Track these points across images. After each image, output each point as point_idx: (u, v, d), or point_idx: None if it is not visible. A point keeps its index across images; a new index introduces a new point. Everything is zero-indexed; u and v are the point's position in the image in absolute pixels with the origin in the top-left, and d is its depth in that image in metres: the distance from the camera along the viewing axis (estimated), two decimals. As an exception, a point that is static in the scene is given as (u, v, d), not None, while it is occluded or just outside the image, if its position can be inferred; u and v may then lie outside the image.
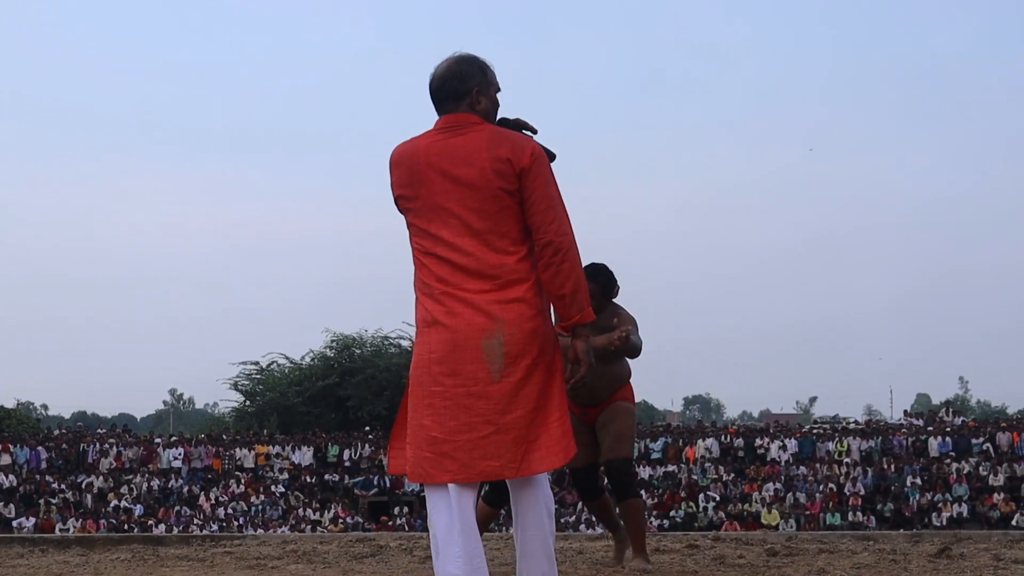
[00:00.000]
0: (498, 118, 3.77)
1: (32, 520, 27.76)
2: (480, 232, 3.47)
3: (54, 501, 29.18)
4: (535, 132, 3.83)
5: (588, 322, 3.55)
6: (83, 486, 30.04)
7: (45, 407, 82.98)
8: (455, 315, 3.47)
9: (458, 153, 3.51)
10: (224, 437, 34.85)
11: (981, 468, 29.45)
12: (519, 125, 3.83)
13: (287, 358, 43.77)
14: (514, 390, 3.43)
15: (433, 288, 3.53)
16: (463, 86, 3.61)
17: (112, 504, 29.40)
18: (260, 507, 29.96)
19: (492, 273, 3.46)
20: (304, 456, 32.19)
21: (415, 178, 3.55)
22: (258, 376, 43.65)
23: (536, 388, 3.45)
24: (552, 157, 3.74)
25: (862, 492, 29.40)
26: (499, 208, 3.48)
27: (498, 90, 3.71)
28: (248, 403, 43.91)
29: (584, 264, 3.71)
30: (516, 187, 3.48)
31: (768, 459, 31.03)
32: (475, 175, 3.48)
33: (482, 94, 3.63)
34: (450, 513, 3.45)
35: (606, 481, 6.11)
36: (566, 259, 3.47)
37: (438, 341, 3.49)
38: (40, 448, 31.46)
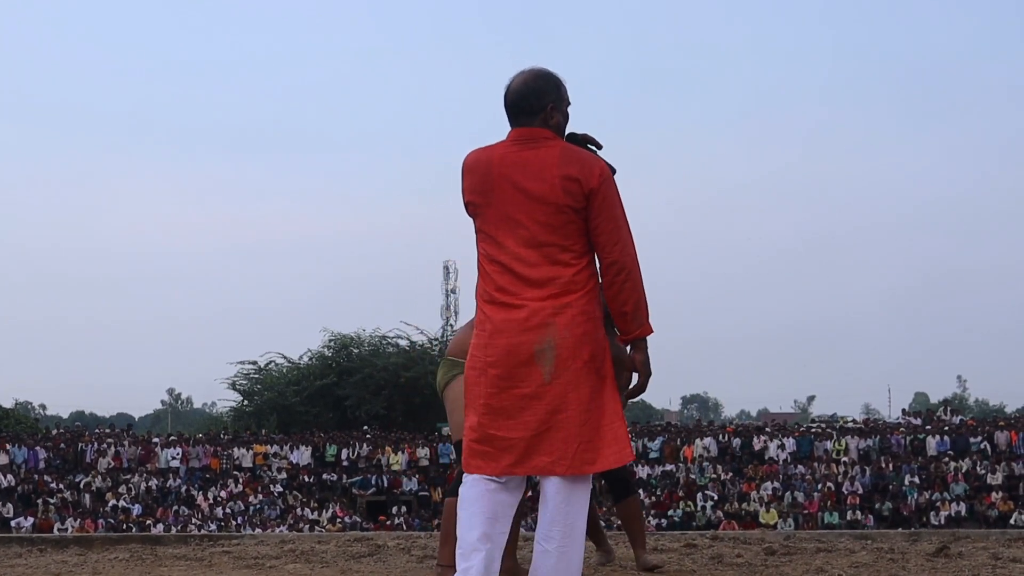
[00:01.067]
0: (569, 132, 3.92)
1: (30, 520, 27.75)
2: (543, 244, 3.64)
3: (52, 501, 29.16)
4: (600, 147, 3.99)
5: (647, 335, 3.72)
6: (81, 486, 30.03)
7: (43, 407, 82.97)
8: (510, 319, 3.65)
9: (530, 167, 3.66)
10: (222, 437, 34.85)
11: (979, 467, 29.47)
12: (586, 140, 4.00)
13: (285, 358, 43.81)
14: (565, 391, 3.59)
15: (494, 296, 3.70)
16: (540, 102, 3.75)
17: (110, 504, 29.39)
18: (258, 506, 29.96)
19: (549, 284, 3.63)
20: (302, 455, 32.18)
21: (487, 186, 3.72)
22: (256, 376, 43.65)
23: (588, 390, 3.61)
24: (613, 172, 3.87)
25: (860, 491, 29.42)
26: (563, 223, 3.63)
27: (569, 105, 3.85)
28: (246, 403, 43.91)
29: None
30: (583, 205, 3.62)
31: (766, 458, 31.05)
32: (545, 190, 3.63)
33: (556, 110, 3.77)
34: (490, 503, 3.63)
35: (602, 481, 6.11)
36: (628, 279, 3.65)
37: (496, 346, 3.66)
38: (38, 448, 31.43)
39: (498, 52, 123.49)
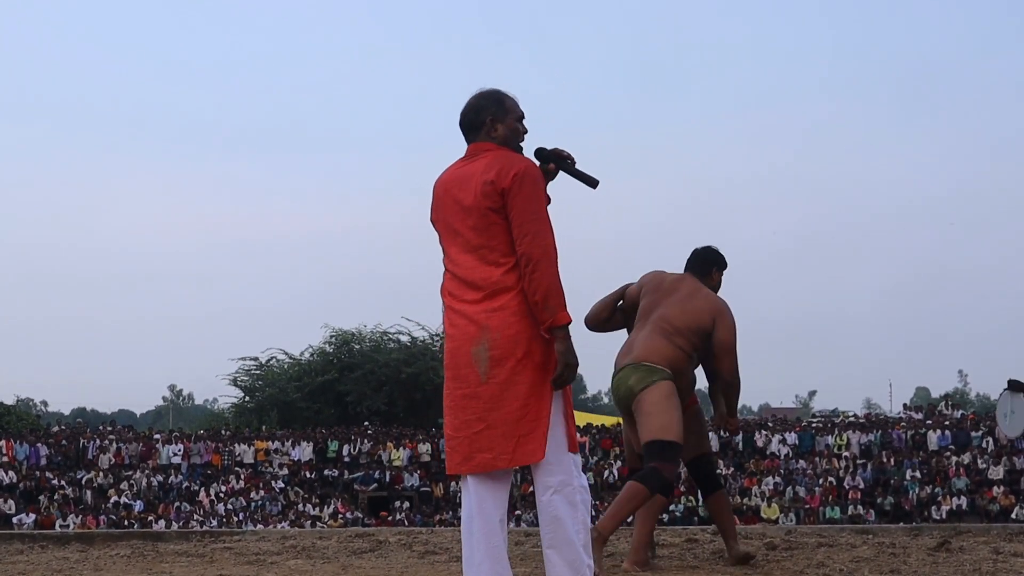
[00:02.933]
0: (536, 148, 4.13)
1: (32, 516, 27.76)
2: (476, 248, 3.89)
3: (54, 497, 29.17)
4: (573, 161, 4.16)
5: (561, 324, 3.82)
6: (83, 482, 30.03)
7: (45, 403, 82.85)
8: (455, 325, 3.92)
9: (464, 179, 3.96)
10: (223, 433, 34.84)
11: (980, 461, 29.46)
12: (555, 154, 4.15)
13: (286, 354, 43.78)
14: (500, 390, 3.81)
15: (444, 302, 3.98)
16: (478, 117, 4.03)
17: (112, 500, 29.40)
18: (260, 503, 29.97)
19: (483, 285, 3.87)
20: (303, 452, 32.18)
21: (437, 203, 4.05)
22: (257, 372, 43.65)
23: (524, 387, 3.80)
24: (594, 184, 4.17)
25: (861, 486, 29.41)
26: (488, 225, 3.87)
27: (518, 117, 4.06)
28: (247, 399, 43.91)
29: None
30: (500, 205, 3.85)
31: (767, 453, 31.04)
32: (470, 198, 3.91)
33: (497, 122, 4.02)
34: (469, 501, 3.92)
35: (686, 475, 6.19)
36: (536, 268, 3.80)
37: (446, 349, 3.94)
38: (40, 444, 31.44)
39: (498, 50, 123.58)
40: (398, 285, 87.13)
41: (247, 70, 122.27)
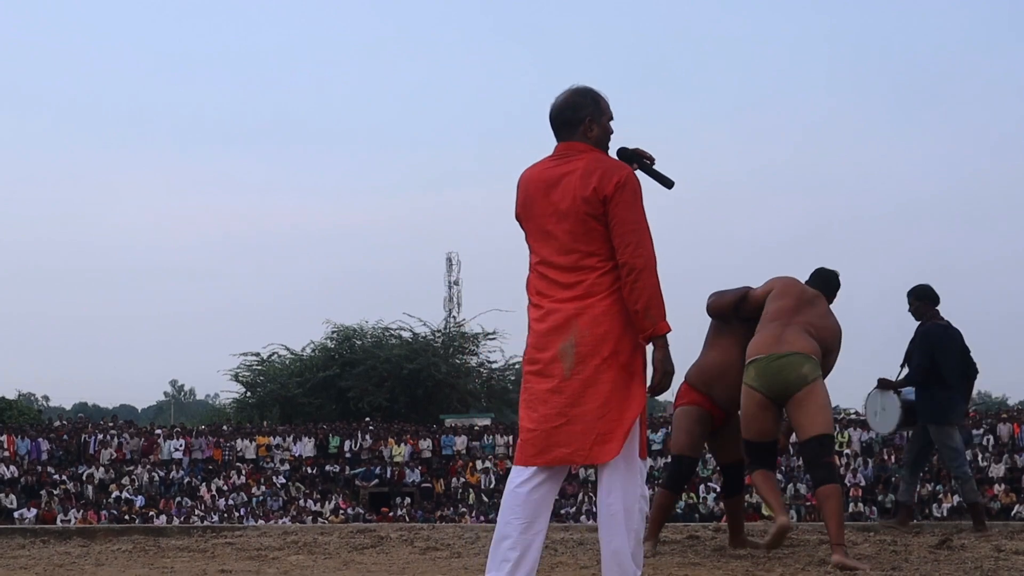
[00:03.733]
0: (619, 147, 4.17)
1: (33, 511, 27.77)
2: (571, 251, 3.94)
3: (55, 492, 29.20)
4: (652, 161, 4.21)
5: (661, 334, 3.89)
6: (84, 477, 30.05)
7: (46, 398, 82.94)
8: (543, 321, 3.97)
9: (560, 180, 3.97)
10: (225, 428, 34.86)
11: (981, 459, 29.46)
12: (638, 155, 4.20)
13: (288, 349, 43.83)
14: (583, 387, 3.85)
15: (532, 299, 4.05)
16: (576, 115, 4.04)
17: (113, 495, 29.42)
18: (261, 498, 29.98)
19: (575, 286, 3.92)
20: (305, 447, 32.20)
21: (527, 200, 4.06)
22: (259, 367, 43.70)
23: (607, 386, 3.85)
24: (670, 185, 4.23)
25: (863, 483, 29.43)
26: (587, 230, 3.92)
27: (610, 119, 4.09)
28: (249, 394, 43.95)
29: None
30: (601, 212, 3.90)
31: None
32: (567, 201, 3.94)
33: (594, 123, 4.04)
34: (524, 490, 3.92)
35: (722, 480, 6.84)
36: (638, 278, 3.86)
37: (530, 344, 4.01)
38: (41, 439, 31.46)
39: (500, 45, 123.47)
40: (400, 281, 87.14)
41: (248, 65, 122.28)
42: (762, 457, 6.22)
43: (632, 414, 3.86)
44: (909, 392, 7.98)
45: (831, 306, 6.44)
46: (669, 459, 7.01)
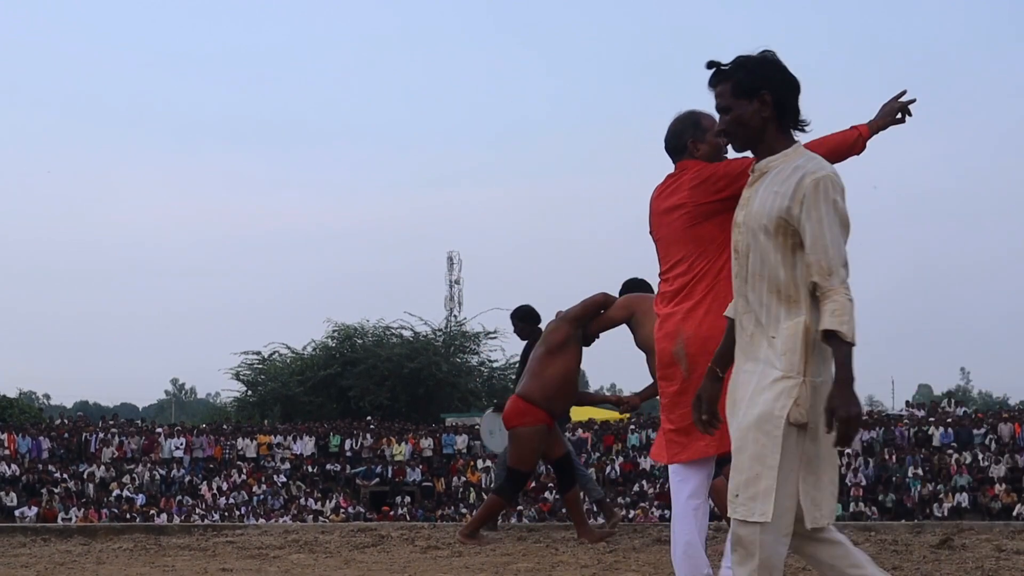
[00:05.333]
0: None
1: (34, 509, 27.78)
2: (678, 261, 4.25)
3: (56, 490, 29.20)
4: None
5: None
6: (85, 475, 30.05)
7: (47, 397, 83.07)
8: (661, 329, 4.28)
9: (669, 195, 4.32)
10: (226, 427, 34.86)
11: (983, 459, 29.45)
12: None
13: (289, 348, 43.85)
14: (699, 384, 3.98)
15: (656, 309, 4.37)
16: (679, 141, 4.38)
17: (114, 494, 29.42)
18: (262, 497, 29.99)
19: (682, 292, 4.22)
20: (306, 446, 32.21)
21: (650, 216, 4.43)
22: (260, 366, 43.71)
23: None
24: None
25: (864, 483, 29.40)
26: (690, 237, 4.21)
27: (717, 132, 4.23)
28: (250, 393, 43.97)
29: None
30: (704, 219, 4.19)
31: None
32: (679, 211, 4.24)
33: (697, 143, 4.35)
34: (679, 489, 4.25)
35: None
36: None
37: (656, 351, 4.30)
38: (42, 438, 31.46)
39: (503, 45, 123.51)
40: (401, 280, 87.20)
41: (250, 63, 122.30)
42: None
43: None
44: None
45: None
46: (508, 473, 7.31)
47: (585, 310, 6.87)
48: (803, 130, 3.32)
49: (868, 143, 4.35)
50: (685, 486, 4.27)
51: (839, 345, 3.07)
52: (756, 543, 3.10)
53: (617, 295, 6.89)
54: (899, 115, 4.38)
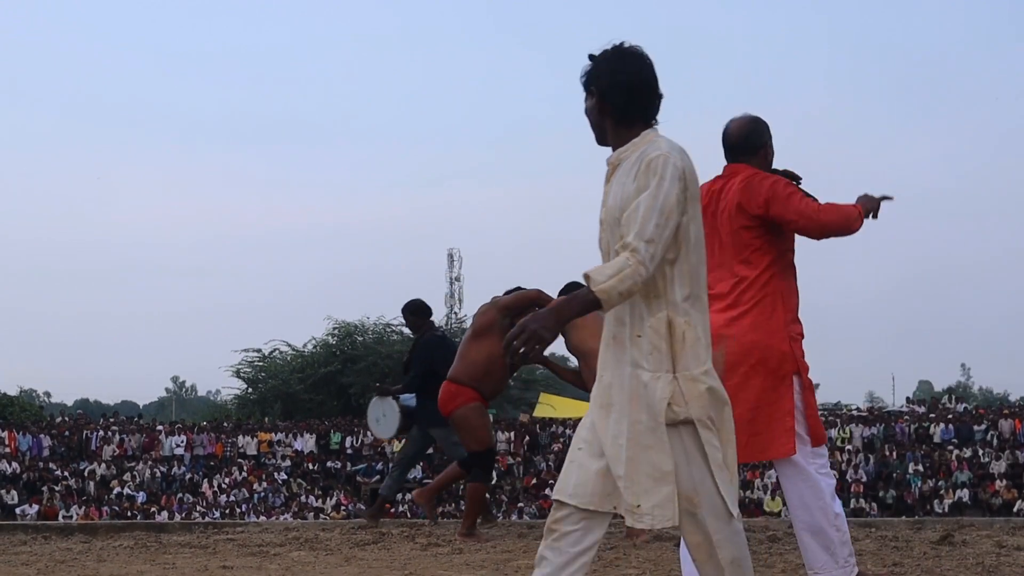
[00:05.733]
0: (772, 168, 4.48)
1: (35, 507, 27.80)
2: (723, 263, 4.27)
3: (57, 488, 29.22)
4: (799, 180, 4.49)
5: (860, 213, 4.34)
6: (86, 473, 30.07)
7: (48, 394, 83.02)
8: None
9: (719, 198, 4.32)
10: (226, 424, 34.86)
11: (983, 455, 29.47)
12: (787, 175, 4.48)
13: (289, 345, 43.80)
14: (734, 392, 3.94)
15: None
16: (758, 140, 4.42)
17: (115, 491, 29.44)
18: (262, 494, 30.00)
19: (727, 295, 4.24)
20: (306, 443, 32.22)
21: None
22: (260, 363, 43.70)
23: (753, 392, 4.17)
24: (798, 180, 4.47)
25: (864, 479, 29.42)
26: (738, 242, 4.24)
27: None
28: (250, 390, 43.96)
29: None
30: (754, 223, 4.22)
31: None
32: (725, 217, 4.27)
33: (769, 149, 4.44)
34: None
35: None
36: (823, 227, 4.25)
37: None
38: (43, 435, 31.48)
39: (504, 43, 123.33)
40: (401, 277, 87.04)
41: (249, 62, 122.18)
42: None
43: (779, 417, 4.18)
44: (408, 398, 8.67)
45: None
46: (469, 455, 7.54)
47: (516, 301, 7.20)
48: (650, 125, 3.28)
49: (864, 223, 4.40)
50: None
51: (586, 289, 2.99)
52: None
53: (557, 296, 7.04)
54: (871, 214, 4.44)
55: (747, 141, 4.41)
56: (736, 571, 3.19)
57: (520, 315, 7.06)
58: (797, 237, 4.41)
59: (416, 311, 8.80)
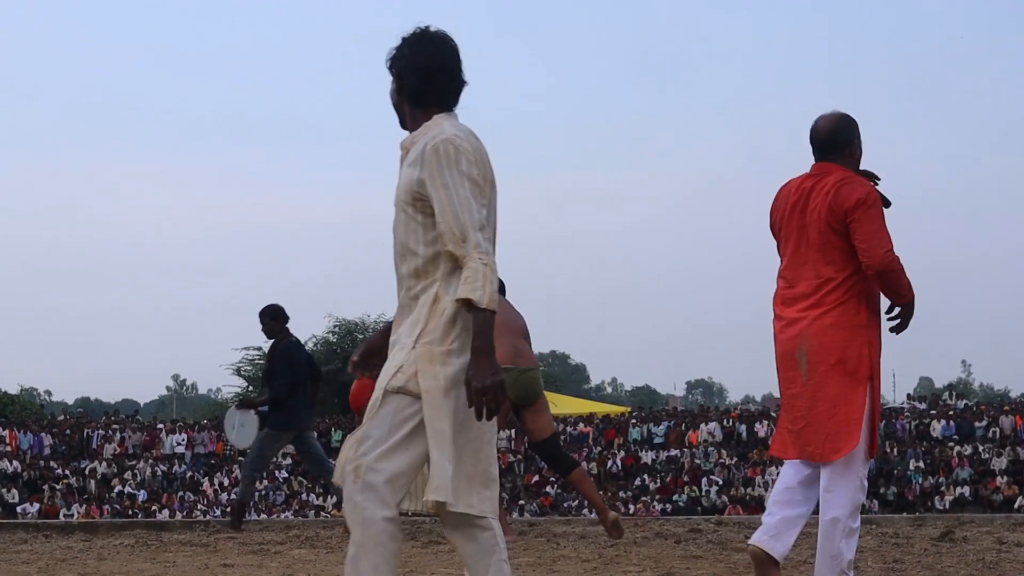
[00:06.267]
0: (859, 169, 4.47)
1: (36, 506, 27.79)
2: (808, 262, 4.27)
3: (58, 487, 29.21)
4: (878, 180, 4.48)
5: (909, 300, 4.28)
6: (87, 472, 30.06)
7: (49, 393, 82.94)
8: (784, 331, 4.34)
9: (810, 196, 4.30)
10: (227, 423, 34.78)
11: (984, 451, 29.45)
12: (866, 174, 4.46)
13: (289, 343, 43.76)
14: (815, 391, 4.23)
15: (774, 308, 4.41)
16: (847, 138, 4.38)
17: (116, 490, 29.44)
18: (263, 492, 29.99)
19: (811, 295, 4.26)
20: (307, 441, 32.16)
21: (780, 214, 4.40)
22: (261, 361, 43.64)
23: (832, 391, 4.21)
24: (887, 204, 4.39)
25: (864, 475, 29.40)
26: (826, 243, 4.23)
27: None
28: (251, 388, 43.94)
29: None
30: (842, 227, 4.20)
31: (770, 443, 30.95)
32: (814, 216, 4.25)
33: (856, 147, 4.40)
34: (783, 480, 4.40)
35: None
36: (884, 277, 4.20)
37: (777, 353, 4.39)
38: (44, 434, 31.46)
39: (503, 41, 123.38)
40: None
41: (249, 59, 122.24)
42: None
43: (855, 419, 4.19)
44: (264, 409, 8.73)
45: None
46: None
47: None
48: (447, 110, 3.26)
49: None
50: (798, 478, 4.40)
51: (475, 313, 2.96)
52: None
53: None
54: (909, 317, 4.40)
55: (835, 139, 4.38)
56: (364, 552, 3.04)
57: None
58: None
59: (276, 315, 8.72)
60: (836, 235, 4.22)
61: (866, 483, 4.39)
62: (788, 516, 4.29)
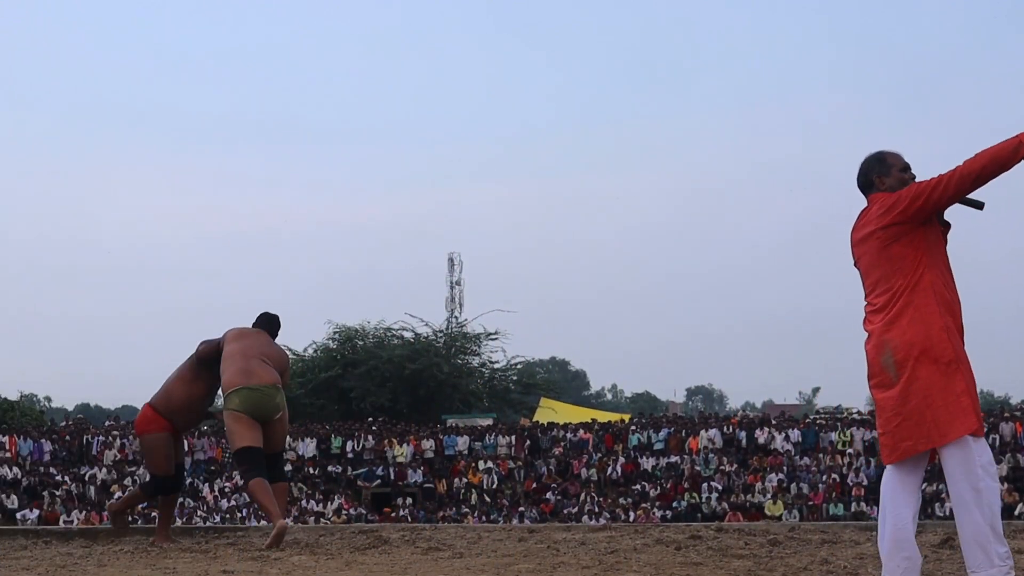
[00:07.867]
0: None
1: (36, 512, 27.80)
2: (877, 281, 4.69)
3: (58, 493, 29.21)
4: (949, 226, 4.92)
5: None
6: (87, 478, 30.06)
7: (49, 399, 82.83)
8: (870, 343, 4.71)
9: (862, 227, 4.77)
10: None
11: (984, 458, 29.44)
12: (966, 201, 4.79)
13: (290, 349, 43.71)
14: (906, 386, 4.52)
15: (865, 327, 4.78)
16: (867, 179, 4.86)
17: (116, 496, 29.42)
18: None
19: (885, 309, 4.63)
20: (307, 447, 32.20)
21: (854, 249, 4.84)
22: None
23: (923, 381, 4.49)
24: (980, 206, 4.87)
25: (865, 482, 29.38)
26: (882, 260, 4.65)
27: (902, 168, 4.81)
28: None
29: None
30: (897, 228, 4.61)
31: (771, 449, 31.02)
32: (868, 238, 4.70)
33: (882, 177, 4.80)
34: (889, 485, 4.63)
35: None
36: (967, 177, 4.60)
37: (868, 364, 4.71)
38: (44, 440, 31.47)
39: (506, 45, 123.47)
40: (402, 281, 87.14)
41: (250, 62, 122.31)
42: (259, 464, 7.56)
43: (955, 399, 4.42)
44: None
45: (276, 339, 8.22)
46: (151, 478, 8.07)
47: (205, 353, 7.97)
48: None
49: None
50: (896, 480, 4.62)
51: None
52: None
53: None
54: None
55: (863, 180, 4.87)
56: None
57: (214, 364, 7.85)
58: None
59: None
60: (896, 245, 4.62)
61: (990, 459, 4.56)
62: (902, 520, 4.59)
